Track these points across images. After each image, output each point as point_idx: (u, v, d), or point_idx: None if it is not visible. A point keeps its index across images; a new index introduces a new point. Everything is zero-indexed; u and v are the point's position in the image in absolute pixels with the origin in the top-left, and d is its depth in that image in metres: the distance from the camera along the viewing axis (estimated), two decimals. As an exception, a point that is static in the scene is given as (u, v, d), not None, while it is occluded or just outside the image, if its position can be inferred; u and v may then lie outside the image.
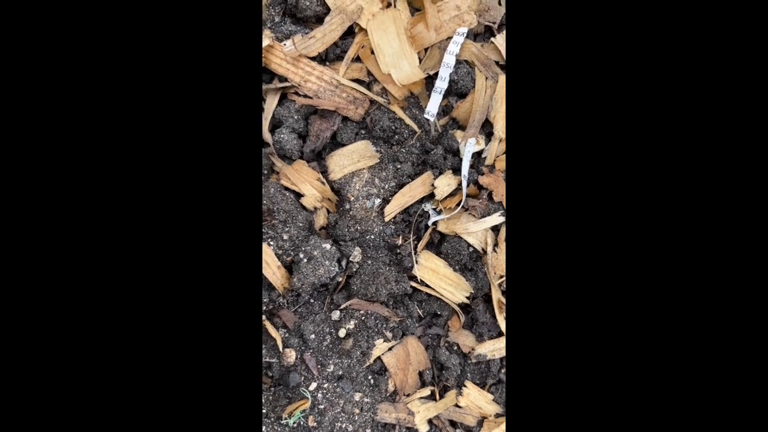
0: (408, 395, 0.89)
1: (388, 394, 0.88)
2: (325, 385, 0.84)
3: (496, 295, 0.90)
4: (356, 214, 0.86)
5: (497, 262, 0.89)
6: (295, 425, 0.81)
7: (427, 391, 0.89)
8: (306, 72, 0.87)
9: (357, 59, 0.89)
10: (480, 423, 0.90)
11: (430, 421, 0.89)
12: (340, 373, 0.85)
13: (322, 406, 0.82)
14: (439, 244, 0.90)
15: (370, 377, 0.87)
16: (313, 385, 0.83)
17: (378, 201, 0.87)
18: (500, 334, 0.91)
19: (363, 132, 0.90)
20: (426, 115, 0.86)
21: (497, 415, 0.90)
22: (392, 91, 0.88)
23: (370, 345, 0.87)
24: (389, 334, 0.88)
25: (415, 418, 0.88)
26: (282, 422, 0.81)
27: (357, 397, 0.84)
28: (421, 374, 0.89)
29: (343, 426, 0.82)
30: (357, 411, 0.84)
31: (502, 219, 0.88)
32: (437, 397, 0.90)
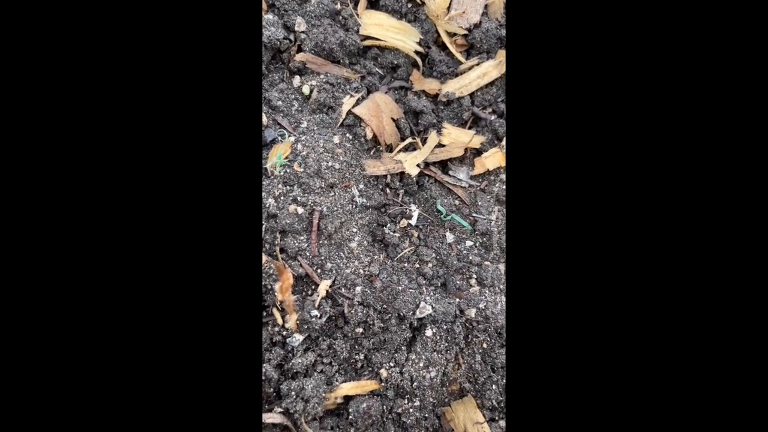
0: (391, 149, 0.89)
1: (367, 141, 0.87)
2: (303, 138, 0.83)
3: (443, 32, 0.93)
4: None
5: (435, 5, 0.93)
6: (281, 173, 0.80)
7: (408, 143, 0.89)
8: None
9: None
10: (464, 153, 0.90)
11: (418, 166, 0.88)
12: (315, 128, 0.85)
13: (304, 153, 0.82)
14: (376, 2, 0.94)
15: (345, 131, 0.87)
16: (291, 139, 0.83)
17: (305, -35, 0.92)
18: (456, 74, 0.93)
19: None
20: None
21: (482, 145, 0.91)
22: None
23: (338, 104, 0.88)
24: (354, 93, 0.89)
25: (403, 164, 0.87)
26: (270, 175, 0.80)
27: (336, 139, 0.84)
28: (397, 123, 0.89)
29: (329, 164, 0.81)
30: (339, 151, 0.83)
31: (427, -34, 0.93)
32: (420, 145, 0.90)
